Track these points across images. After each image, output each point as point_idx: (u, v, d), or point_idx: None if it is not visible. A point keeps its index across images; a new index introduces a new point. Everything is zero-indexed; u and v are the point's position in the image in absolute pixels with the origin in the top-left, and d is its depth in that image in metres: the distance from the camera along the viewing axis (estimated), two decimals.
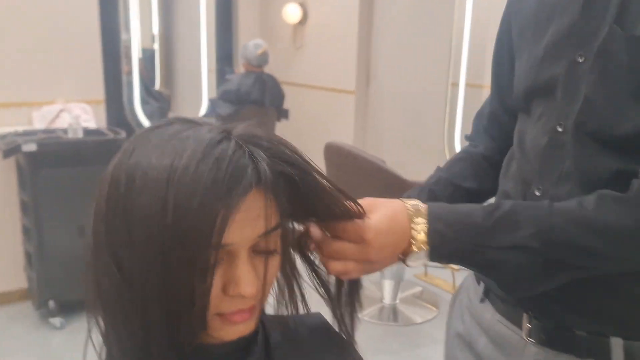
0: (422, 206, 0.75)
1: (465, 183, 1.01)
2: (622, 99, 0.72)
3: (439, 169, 1.05)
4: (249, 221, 0.56)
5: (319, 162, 2.73)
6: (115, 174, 0.57)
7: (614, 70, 0.72)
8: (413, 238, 0.73)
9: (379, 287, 3.29)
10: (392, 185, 2.74)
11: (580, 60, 0.76)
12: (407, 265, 0.76)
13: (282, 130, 4.07)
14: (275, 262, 0.63)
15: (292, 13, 4.37)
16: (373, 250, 0.71)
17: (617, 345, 0.78)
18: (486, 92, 3.72)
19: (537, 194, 0.83)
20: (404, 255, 0.74)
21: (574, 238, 0.71)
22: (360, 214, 0.71)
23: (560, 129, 0.79)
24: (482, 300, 0.95)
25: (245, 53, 3.88)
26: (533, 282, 0.74)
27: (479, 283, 0.97)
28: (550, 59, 0.80)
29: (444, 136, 3.72)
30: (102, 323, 0.61)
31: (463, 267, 0.81)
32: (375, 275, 3.20)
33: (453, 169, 1.03)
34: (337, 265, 0.71)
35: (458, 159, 1.05)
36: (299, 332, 0.75)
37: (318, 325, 0.79)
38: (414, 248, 0.73)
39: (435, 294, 3.43)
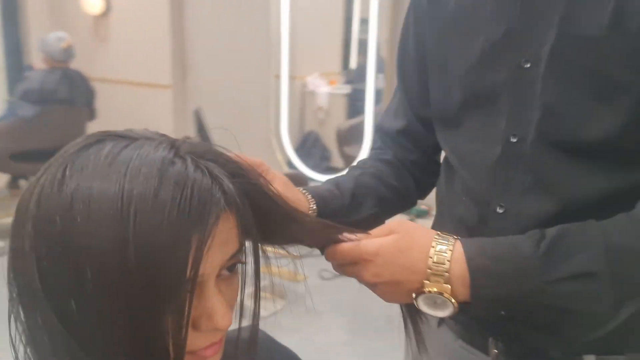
0: (456, 239, 0.67)
1: (387, 179, 0.92)
2: (585, 102, 0.68)
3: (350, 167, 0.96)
4: (217, 247, 0.50)
5: None
6: (44, 211, 0.47)
7: (573, 74, 0.68)
8: (430, 271, 0.64)
9: None
10: None
11: (527, 66, 0.71)
12: (424, 312, 0.67)
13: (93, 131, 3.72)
14: (237, 278, 0.57)
15: (92, 3, 4.01)
16: (367, 274, 0.67)
17: None
18: (299, 83, 3.78)
19: (500, 211, 0.76)
20: (417, 294, 0.66)
21: (636, 251, 0.64)
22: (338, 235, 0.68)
23: (514, 140, 0.73)
24: (439, 325, 0.88)
25: (45, 47, 3.46)
26: (602, 317, 0.66)
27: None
28: (488, 67, 0.75)
29: (271, 128, 3.74)
30: None
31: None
32: None
33: (367, 164, 0.96)
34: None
35: (371, 160, 0.97)
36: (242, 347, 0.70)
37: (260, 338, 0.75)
38: (427, 288, 0.65)
39: (278, 285, 3.44)
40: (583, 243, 0.64)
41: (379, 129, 1.00)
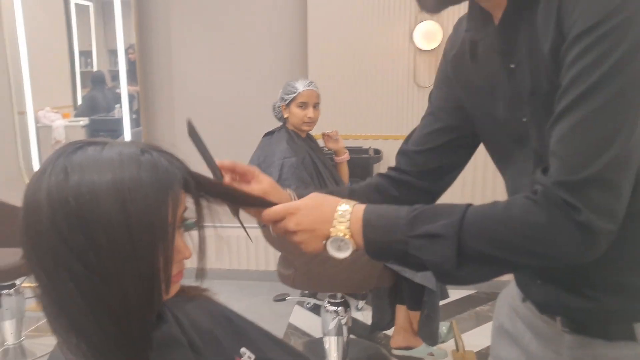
0: (357, 203, 0.86)
1: (386, 191, 1.10)
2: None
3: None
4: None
5: None
6: (56, 196, 0.64)
7: (542, 120, 0.82)
8: (335, 220, 0.84)
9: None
10: None
11: (525, 120, 0.88)
12: (334, 256, 0.86)
13: None
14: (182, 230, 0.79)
15: None
16: (291, 224, 0.86)
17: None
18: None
19: None
20: (327, 238, 0.85)
21: (480, 227, 0.79)
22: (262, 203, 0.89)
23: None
24: (523, 300, 1.05)
25: None
26: (450, 269, 0.79)
27: (518, 286, 1.06)
28: (507, 120, 0.91)
29: (21, 167, 3.53)
30: (68, 326, 0.67)
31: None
32: None
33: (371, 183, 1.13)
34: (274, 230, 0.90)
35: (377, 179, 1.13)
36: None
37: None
38: (333, 232, 0.84)
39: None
40: (446, 213, 0.81)
41: (402, 152, 1.13)
